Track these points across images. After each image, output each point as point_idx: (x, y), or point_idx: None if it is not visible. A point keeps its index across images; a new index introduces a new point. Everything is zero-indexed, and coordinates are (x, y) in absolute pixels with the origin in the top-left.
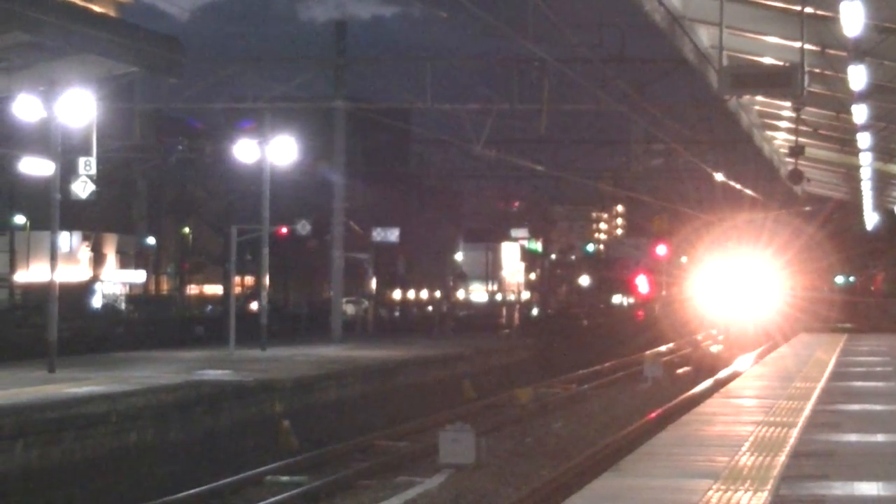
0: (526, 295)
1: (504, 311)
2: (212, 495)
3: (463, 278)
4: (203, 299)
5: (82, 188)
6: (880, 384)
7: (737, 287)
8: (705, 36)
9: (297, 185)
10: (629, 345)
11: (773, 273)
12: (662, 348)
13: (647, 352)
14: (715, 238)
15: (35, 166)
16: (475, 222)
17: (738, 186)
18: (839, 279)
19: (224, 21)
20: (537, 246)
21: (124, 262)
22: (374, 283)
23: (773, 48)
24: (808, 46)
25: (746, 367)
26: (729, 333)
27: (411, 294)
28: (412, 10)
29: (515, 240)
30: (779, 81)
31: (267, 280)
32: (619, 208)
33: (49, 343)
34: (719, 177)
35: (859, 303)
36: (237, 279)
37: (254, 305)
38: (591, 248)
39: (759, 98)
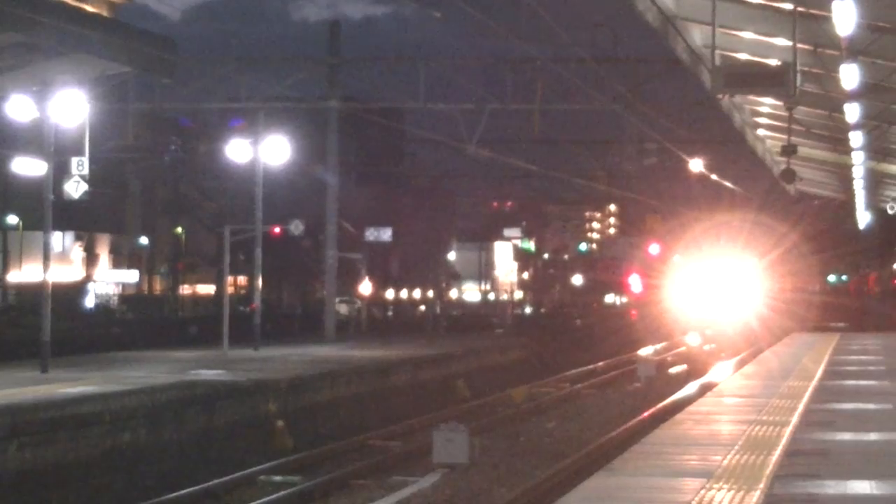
0: (519, 294)
1: (497, 311)
2: (206, 495)
3: (456, 278)
4: (197, 299)
5: (75, 188)
6: (873, 383)
7: (716, 288)
8: (698, 35)
9: (290, 185)
10: (622, 344)
11: (755, 273)
12: (650, 350)
13: (640, 351)
14: (694, 237)
15: (28, 166)
16: (468, 222)
17: (717, 179)
18: (831, 278)
19: (216, 21)
20: (530, 245)
21: (117, 263)
22: (367, 283)
23: (765, 47)
24: (800, 46)
25: (725, 377)
26: (708, 338)
27: (404, 294)
28: (404, 10)
29: (508, 239)
30: (771, 81)
31: (260, 280)
32: (613, 208)
33: (42, 343)
34: (696, 165)
35: (842, 304)
36: (231, 279)
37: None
38: (584, 247)
39: (752, 97)
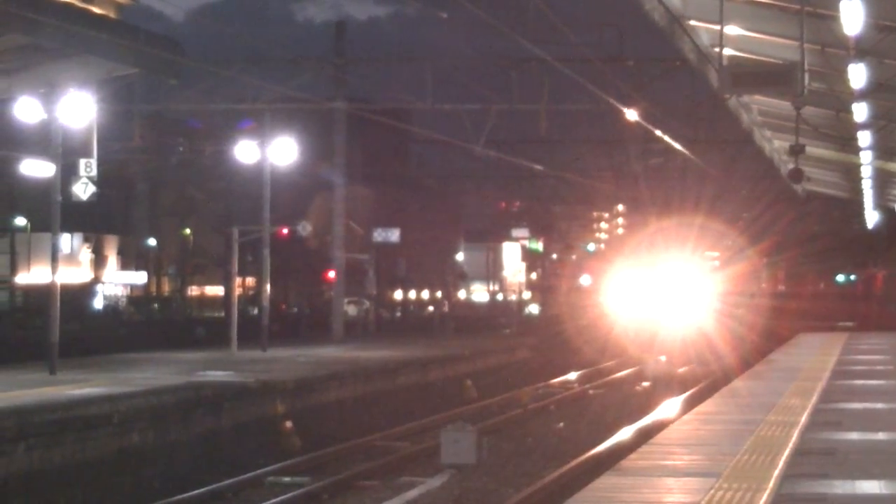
0: (527, 295)
1: (506, 311)
2: (213, 497)
3: (464, 278)
4: (204, 300)
5: (83, 190)
6: (881, 382)
7: (669, 295)
8: (705, 35)
9: (297, 186)
10: (629, 344)
11: (716, 276)
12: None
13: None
14: (645, 238)
15: (36, 168)
16: (476, 222)
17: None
18: (840, 278)
19: (220, 22)
20: (538, 245)
21: (125, 264)
22: (374, 284)
23: (773, 47)
24: (807, 45)
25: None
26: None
27: (412, 294)
28: (408, 11)
29: (516, 240)
30: (779, 80)
31: (268, 283)
32: (620, 207)
33: (50, 345)
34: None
35: (841, 307)
36: (238, 280)
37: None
38: (591, 247)
39: (759, 97)
